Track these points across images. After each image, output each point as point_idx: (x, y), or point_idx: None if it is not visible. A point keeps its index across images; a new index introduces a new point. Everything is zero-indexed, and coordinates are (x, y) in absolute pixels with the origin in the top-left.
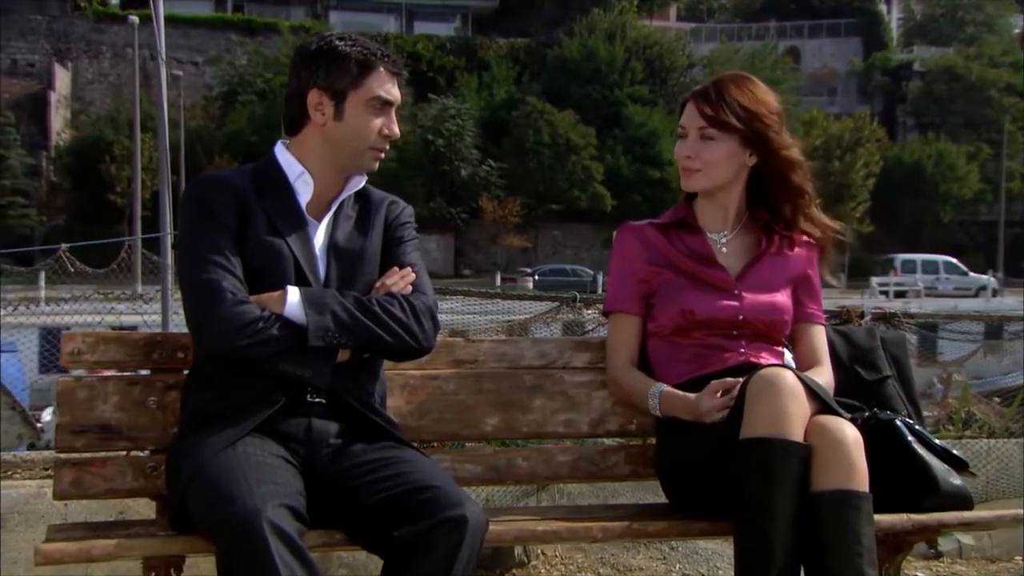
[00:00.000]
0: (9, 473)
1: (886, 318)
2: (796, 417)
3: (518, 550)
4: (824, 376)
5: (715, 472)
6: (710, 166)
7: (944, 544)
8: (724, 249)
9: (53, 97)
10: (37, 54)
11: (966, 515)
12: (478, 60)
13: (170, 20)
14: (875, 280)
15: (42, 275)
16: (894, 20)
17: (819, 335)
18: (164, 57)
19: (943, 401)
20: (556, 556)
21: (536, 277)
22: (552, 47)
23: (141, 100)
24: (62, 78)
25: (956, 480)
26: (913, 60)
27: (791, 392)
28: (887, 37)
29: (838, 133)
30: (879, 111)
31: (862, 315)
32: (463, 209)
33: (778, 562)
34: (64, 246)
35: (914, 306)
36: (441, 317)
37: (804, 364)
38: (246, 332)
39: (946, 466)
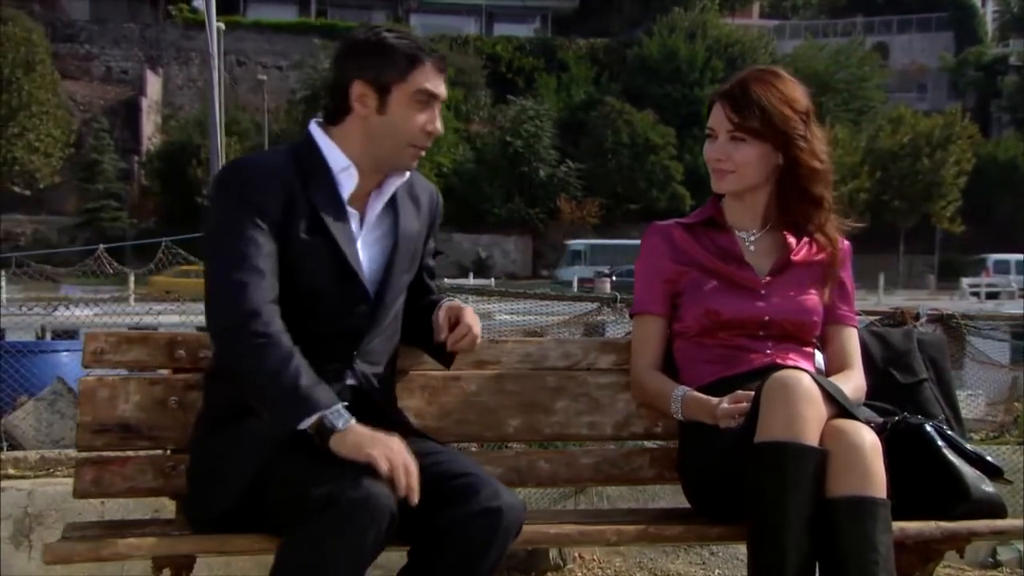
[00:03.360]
0: (50, 471)
1: (943, 320)
2: (811, 421)
3: (553, 553)
4: (854, 379)
5: (734, 475)
6: (742, 167)
7: (1003, 553)
8: (752, 248)
9: (145, 103)
10: (130, 61)
11: (998, 523)
12: (557, 61)
13: (255, 26)
14: (966, 281)
15: (131, 276)
16: (988, 13)
17: (850, 337)
18: (217, 59)
19: (1009, 405)
20: (594, 560)
21: (614, 278)
22: (632, 47)
23: (227, 105)
24: (153, 84)
25: (988, 487)
26: (1009, 54)
27: (807, 395)
28: (981, 31)
29: (927, 130)
30: (972, 107)
31: (917, 316)
32: (541, 210)
33: (791, 568)
34: (102, 247)
35: (1007, 308)
36: (513, 318)
37: (835, 367)
38: (258, 338)
39: (978, 472)
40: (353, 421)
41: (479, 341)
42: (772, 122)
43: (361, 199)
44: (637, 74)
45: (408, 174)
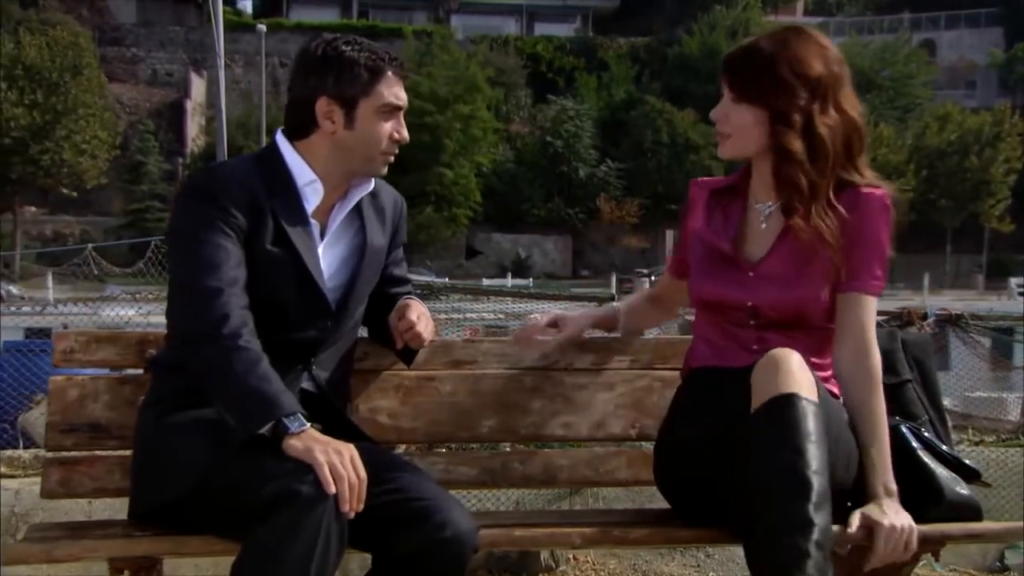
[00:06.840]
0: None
1: (952, 320)
2: (806, 385)
3: (545, 555)
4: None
5: (708, 478)
6: (738, 131)
7: (1011, 557)
8: (764, 225)
9: (189, 105)
10: (175, 64)
11: (973, 526)
12: (598, 60)
13: (297, 27)
14: (1014, 281)
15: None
16: None
17: (852, 305)
18: (224, 57)
19: None
20: (587, 562)
21: (653, 278)
22: (672, 45)
23: (269, 106)
24: (198, 86)
25: (963, 490)
26: None
27: (800, 365)
28: None
29: (975, 127)
30: (1022, 104)
31: (924, 316)
32: (581, 210)
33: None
34: (90, 246)
35: None
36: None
37: (837, 341)
38: (239, 342)
39: (953, 475)
40: (307, 426)
41: (428, 332)
42: (765, 87)
43: (324, 211)
44: (678, 73)
45: (373, 183)
